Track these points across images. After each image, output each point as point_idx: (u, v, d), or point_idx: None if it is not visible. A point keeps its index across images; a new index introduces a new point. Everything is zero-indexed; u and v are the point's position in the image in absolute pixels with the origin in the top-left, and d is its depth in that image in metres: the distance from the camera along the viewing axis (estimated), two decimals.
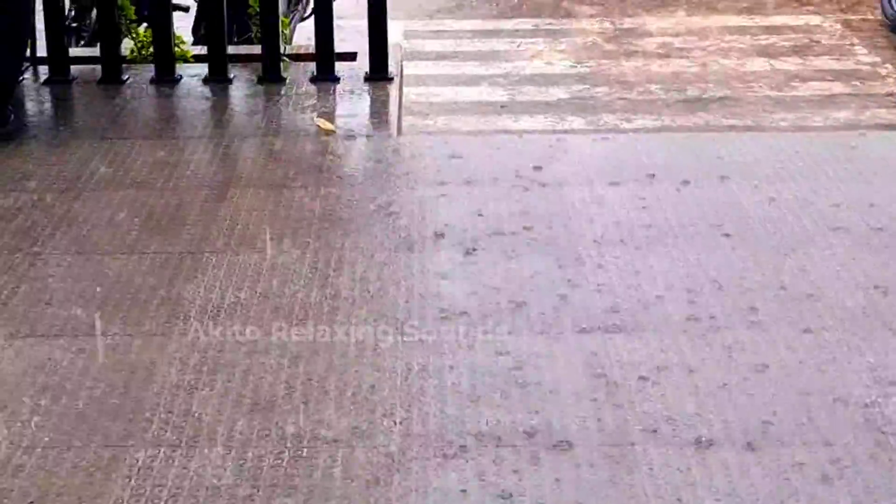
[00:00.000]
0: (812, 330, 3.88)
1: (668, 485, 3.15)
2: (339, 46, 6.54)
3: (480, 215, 4.72)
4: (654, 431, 3.35)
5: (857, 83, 8.59)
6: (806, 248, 4.44)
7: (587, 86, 8.69)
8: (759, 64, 9.08)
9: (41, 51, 6.42)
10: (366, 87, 6.30)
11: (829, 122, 7.73)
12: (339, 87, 6.30)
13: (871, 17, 10.25)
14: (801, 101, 8.22)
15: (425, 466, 3.23)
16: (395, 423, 3.40)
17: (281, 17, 6.61)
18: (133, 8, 6.78)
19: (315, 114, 5.90)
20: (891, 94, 8.31)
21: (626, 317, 3.96)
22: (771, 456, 3.25)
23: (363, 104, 6.13)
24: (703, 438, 3.32)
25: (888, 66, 8.98)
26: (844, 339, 3.82)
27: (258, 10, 6.55)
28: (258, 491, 3.14)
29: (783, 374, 3.63)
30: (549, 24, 10.43)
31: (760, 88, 8.50)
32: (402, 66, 6.90)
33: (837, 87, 8.51)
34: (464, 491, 3.13)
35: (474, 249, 4.44)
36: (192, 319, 3.97)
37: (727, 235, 4.53)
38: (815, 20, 10.29)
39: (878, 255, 4.39)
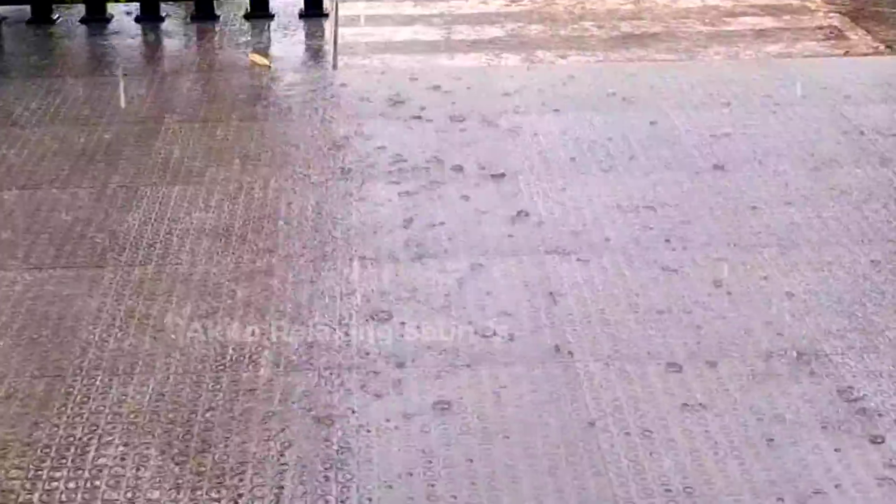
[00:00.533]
0: (748, 249, 3.92)
1: None
2: None
3: (414, 146, 4.71)
4: None
5: (788, 17, 8.62)
6: (740, 170, 4.47)
7: (522, 24, 8.65)
8: (691, 0, 9.08)
9: None
10: (301, 24, 6.26)
11: (760, 55, 7.76)
12: (273, 23, 6.26)
13: None
14: (734, 35, 8.22)
15: None
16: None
17: None
18: None
19: (249, 49, 5.85)
20: (820, 28, 8.34)
21: (562, 241, 3.97)
22: None
23: (298, 40, 6.09)
24: None
25: (817, 0, 9.02)
26: (777, 255, 3.87)
27: None
28: (196, 415, 3.13)
29: (719, 293, 3.66)
30: None
31: (694, 24, 8.51)
32: (336, 4, 6.85)
33: (769, 22, 8.52)
34: None
35: (411, 182, 4.43)
36: (126, 252, 3.94)
37: (661, 159, 4.56)
38: None
39: (811, 175, 4.43)
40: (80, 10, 6.34)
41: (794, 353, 3.34)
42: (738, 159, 4.56)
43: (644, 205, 4.21)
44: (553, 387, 3.21)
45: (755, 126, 4.87)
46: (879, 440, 2.99)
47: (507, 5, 9.16)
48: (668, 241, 3.97)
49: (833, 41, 8.09)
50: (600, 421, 3.07)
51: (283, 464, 2.93)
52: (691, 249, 3.92)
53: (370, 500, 2.81)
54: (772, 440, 2.99)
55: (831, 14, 8.70)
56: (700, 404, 3.14)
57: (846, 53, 7.75)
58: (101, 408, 3.16)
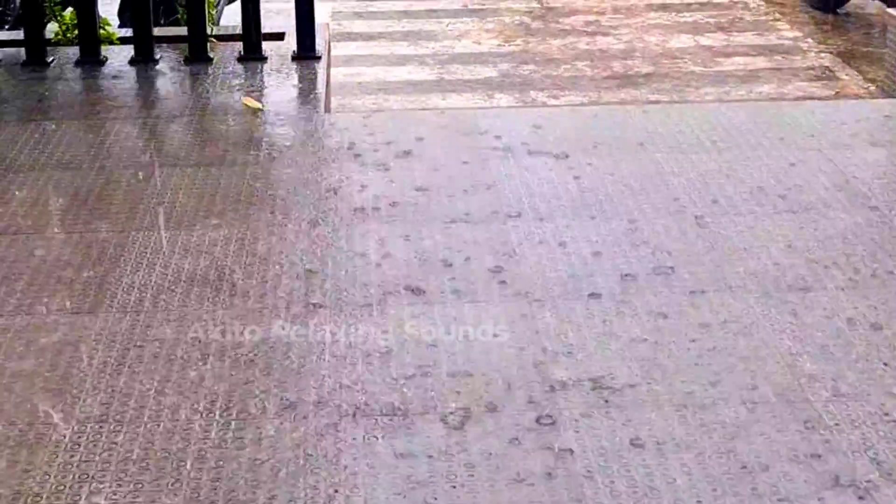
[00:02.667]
0: (732, 289, 3.95)
1: None
2: (267, 27, 6.54)
3: (405, 189, 4.75)
4: None
5: (780, 58, 8.70)
6: (727, 214, 4.51)
7: (515, 64, 8.73)
8: (683, 40, 9.16)
9: None
10: (293, 67, 6.30)
11: (752, 96, 7.82)
12: (266, 66, 6.30)
13: None
14: (725, 75, 8.32)
15: None
16: (322, 398, 3.42)
17: None
18: None
19: (242, 93, 5.89)
20: (812, 68, 8.42)
21: (548, 285, 4.00)
22: None
23: (290, 83, 6.13)
24: None
25: (809, 40, 9.10)
26: (761, 299, 3.90)
27: None
28: (185, 463, 3.15)
29: (704, 335, 3.69)
30: (477, 4, 10.47)
31: (686, 64, 8.59)
32: (329, 45, 6.90)
33: (761, 62, 8.61)
34: None
35: (403, 228, 4.46)
36: (118, 297, 3.96)
37: (650, 203, 4.59)
38: None
39: (795, 218, 4.46)
40: (75, 52, 6.38)
41: (776, 399, 3.37)
42: (725, 203, 4.59)
43: (630, 249, 4.24)
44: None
45: (743, 170, 4.90)
46: (857, 485, 3.02)
47: (501, 45, 9.25)
48: (653, 285, 4.00)
49: (824, 81, 8.17)
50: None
51: None
52: (678, 293, 3.95)
53: None
54: (755, 489, 3.02)
55: (823, 54, 8.78)
56: (685, 445, 3.16)
57: (837, 94, 7.82)
58: (92, 456, 3.18)
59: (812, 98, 7.60)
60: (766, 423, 3.27)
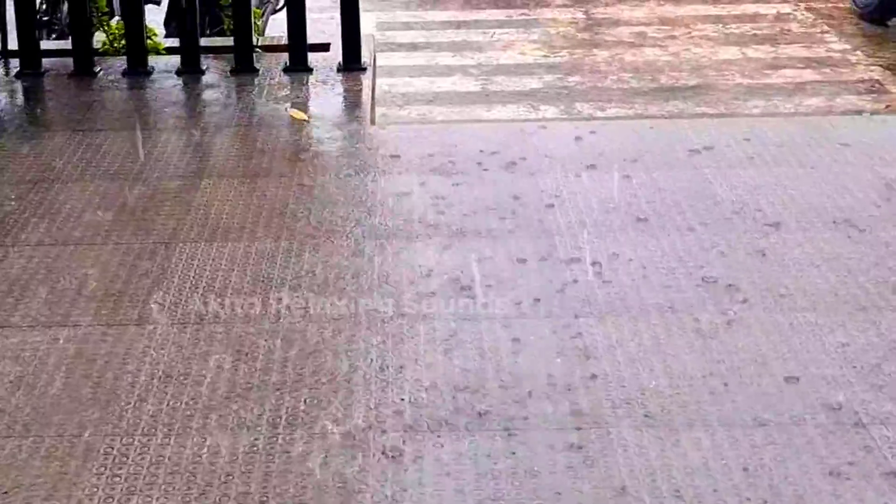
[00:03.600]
0: (783, 308, 3.91)
1: None
2: (313, 38, 6.54)
3: (453, 204, 4.73)
4: None
5: (828, 70, 8.63)
6: (779, 231, 4.46)
7: (560, 75, 8.69)
8: (730, 52, 9.10)
9: (13, 44, 6.40)
10: (339, 78, 6.30)
11: (800, 109, 7.75)
12: (311, 77, 6.30)
13: (841, 5, 10.29)
14: (772, 88, 8.25)
15: None
16: (371, 408, 3.41)
17: (253, 9, 6.60)
18: (105, 0, 6.76)
19: (288, 104, 5.89)
20: (861, 81, 8.34)
21: (603, 305, 3.97)
22: None
23: (336, 94, 6.13)
24: None
25: (858, 53, 9.02)
26: (811, 318, 3.85)
27: (230, 2, 6.54)
28: (233, 477, 3.14)
29: (759, 363, 3.65)
30: (522, 14, 10.43)
31: (732, 76, 8.53)
32: (374, 56, 6.89)
33: (808, 75, 8.54)
34: None
35: (449, 242, 4.45)
36: (165, 309, 3.96)
37: (700, 221, 4.55)
38: (785, 8, 10.32)
39: (847, 238, 4.41)
40: (122, 62, 6.40)
41: (829, 417, 3.33)
42: (775, 219, 4.55)
43: (680, 264, 4.21)
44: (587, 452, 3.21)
45: (792, 185, 4.85)
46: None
47: (546, 56, 9.21)
48: (703, 302, 3.96)
49: (874, 95, 8.09)
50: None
51: None
52: (728, 311, 3.91)
53: None
54: None
55: (872, 67, 8.70)
56: (743, 468, 3.13)
57: (887, 107, 7.74)
58: (139, 468, 3.18)
59: (861, 111, 7.53)
60: (816, 444, 3.24)
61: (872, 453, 3.20)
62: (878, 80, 8.36)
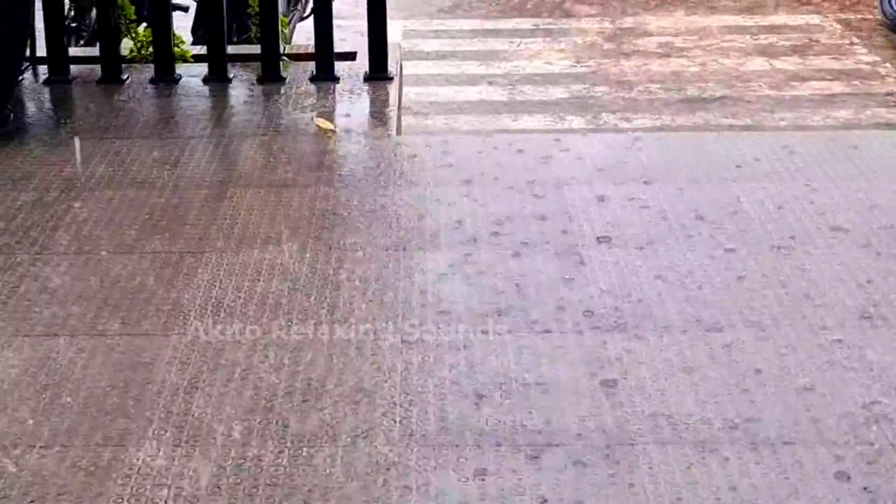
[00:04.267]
0: (811, 325, 3.89)
1: None
2: (339, 46, 6.55)
3: (479, 215, 4.72)
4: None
5: (857, 82, 8.60)
6: (805, 247, 4.44)
7: (587, 85, 8.69)
8: (758, 63, 9.08)
9: (41, 50, 6.43)
10: (365, 87, 6.30)
11: (828, 122, 7.73)
12: (338, 86, 6.30)
13: (870, 16, 10.26)
14: (800, 100, 8.22)
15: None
16: (395, 422, 3.40)
17: (280, 17, 6.62)
18: (133, 8, 6.79)
19: (315, 113, 5.90)
20: (890, 94, 8.31)
21: (628, 317, 3.96)
22: None
23: (362, 104, 6.13)
24: None
25: (887, 65, 8.99)
26: (844, 339, 3.83)
27: (258, 10, 6.56)
28: (258, 490, 3.14)
29: (780, 376, 3.63)
30: (549, 23, 10.43)
31: (760, 88, 8.50)
32: (401, 65, 6.90)
33: (837, 87, 8.51)
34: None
35: (471, 252, 4.44)
36: (191, 319, 3.97)
37: (727, 235, 4.54)
38: (814, 20, 10.29)
39: (878, 255, 4.39)
40: (149, 69, 6.42)
41: (848, 435, 3.31)
42: (803, 235, 4.53)
43: (706, 280, 4.19)
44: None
45: (820, 200, 4.83)
46: None
47: (573, 66, 9.21)
48: (729, 319, 3.95)
49: None
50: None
51: None
52: (754, 328, 3.89)
53: None
54: None
55: None
56: (752, 485, 3.11)
57: None
58: (164, 480, 3.18)
59: (890, 125, 7.50)
60: (832, 464, 3.22)
61: None
62: None
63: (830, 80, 8.68)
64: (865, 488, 3.12)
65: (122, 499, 3.12)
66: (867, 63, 9.06)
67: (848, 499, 3.09)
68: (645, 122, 7.77)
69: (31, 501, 3.12)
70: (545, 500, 3.09)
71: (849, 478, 3.16)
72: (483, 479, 3.17)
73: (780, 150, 5.34)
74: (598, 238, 4.52)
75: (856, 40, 9.64)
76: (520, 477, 3.18)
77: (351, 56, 6.73)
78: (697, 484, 3.14)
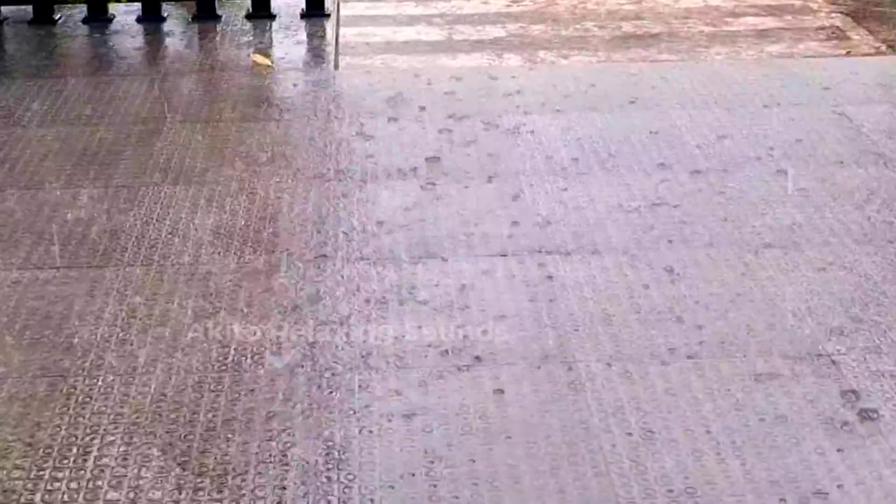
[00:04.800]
0: (749, 245, 3.92)
1: None
2: None
3: (415, 147, 4.71)
4: None
5: (790, 17, 8.62)
6: (742, 168, 4.47)
7: (524, 24, 8.66)
8: (693, 1, 9.08)
9: None
10: (302, 24, 6.26)
11: (763, 55, 7.76)
12: (275, 23, 6.26)
13: None
14: (735, 35, 8.23)
15: None
16: (338, 335, 3.40)
17: None
18: None
19: (251, 50, 5.85)
20: (822, 28, 8.34)
21: (568, 243, 3.97)
22: None
23: (300, 40, 6.09)
24: None
25: (819, 0, 9.02)
26: (777, 253, 3.87)
27: None
28: (198, 415, 3.13)
29: (729, 296, 3.66)
30: None
31: (695, 24, 8.51)
32: (338, 4, 6.85)
33: (771, 22, 8.53)
34: None
35: (400, 181, 4.44)
36: (128, 252, 3.94)
37: (664, 159, 4.55)
38: None
39: (804, 169, 4.43)
40: (82, 10, 6.34)
41: (797, 354, 3.34)
42: (740, 160, 4.56)
43: (646, 205, 4.21)
44: (554, 387, 3.21)
45: (756, 126, 4.86)
46: (881, 441, 2.99)
47: (509, 6, 9.16)
48: (670, 241, 3.97)
49: (835, 41, 8.09)
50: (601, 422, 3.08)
51: (284, 464, 2.93)
52: (693, 249, 3.92)
53: (372, 500, 2.81)
54: (774, 440, 2.99)
55: (833, 14, 8.70)
56: (702, 403, 3.14)
57: (848, 53, 7.75)
58: (104, 408, 3.16)
59: (823, 56, 7.54)
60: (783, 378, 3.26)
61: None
62: (838, 27, 8.36)
63: (764, 15, 8.68)
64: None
65: (60, 427, 3.09)
66: None
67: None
68: (582, 59, 7.75)
69: None
70: None
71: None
72: None
73: (715, 80, 5.37)
74: (539, 164, 4.52)
75: None
76: None
77: None
78: None
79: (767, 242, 3.96)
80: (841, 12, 8.73)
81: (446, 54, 8.03)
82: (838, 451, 2.95)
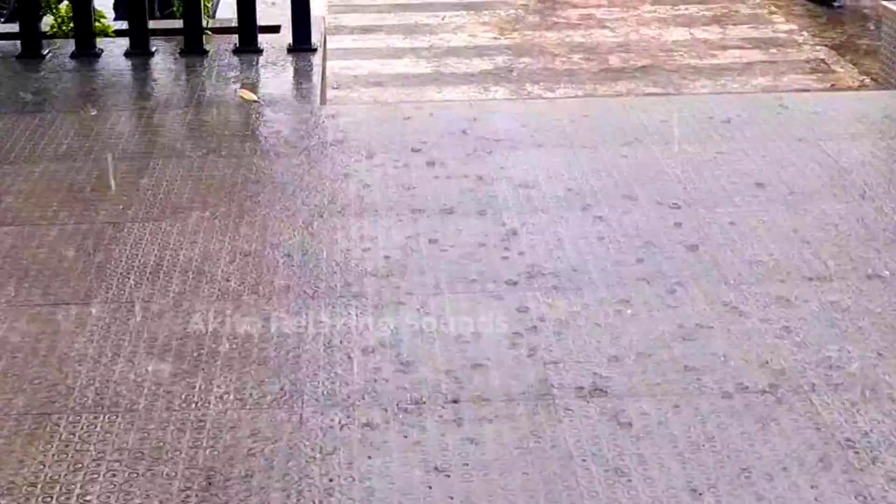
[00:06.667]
0: (727, 281, 3.96)
1: None
2: (263, 20, 6.54)
3: (399, 183, 4.75)
4: None
5: (775, 50, 8.70)
6: (724, 206, 4.51)
7: (511, 57, 8.73)
8: (679, 33, 9.16)
9: None
10: (289, 59, 6.30)
11: (748, 88, 7.83)
12: (261, 58, 6.30)
13: None
14: (721, 68, 8.32)
15: None
16: (317, 387, 3.43)
17: None
18: None
19: (238, 85, 5.89)
20: (807, 61, 8.42)
21: (554, 278, 4.00)
22: None
23: (286, 75, 6.13)
24: None
25: (804, 33, 9.10)
26: (755, 290, 3.90)
27: None
28: (180, 454, 3.15)
29: (707, 338, 3.69)
30: None
31: (681, 57, 8.59)
32: (325, 38, 6.90)
33: (756, 55, 8.61)
34: None
35: (388, 217, 4.47)
36: (113, 288, 3.96)
37: (645, 194, 4.59)
38: None
39: (793, 210, 4.47)
40: (70, 45, 6.38)
41: (769, 386, 3.38)
42: (721, 194, 4.60)
43: (626, 241, 4.25)
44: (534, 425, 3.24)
45: (738, 161, 4.91)
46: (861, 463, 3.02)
47: (496, 39, 9.24)
48: (645, 278, 4.00)
49: (819, 74, 8.17)
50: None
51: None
52: (673, 285, 3.95)
53: None
54: (749, 475, 3.02)
55: (818, 47, 8.78)
56: (675, 436, 3.17)
57: (832, 86, 7.83)
58: (87, 446, 3.18)
59: (807, 90, 7.61)
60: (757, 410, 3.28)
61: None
62: (823, 60, 8.45)
63: (750, 48, 8.78)
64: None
65: (44, 465, 3.10)
66: (785, 31, 9.18)
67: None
68: (568, 92, 7.82)
69: None
70: None
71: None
72: None
73: (699, 114, 5.40)
74: (522, 200, 4.55)
75: (774, 9, 9.75)
76: None
77: (275, 29, 6.73)
78: None
79: (746, 278, 3.99)
80: (826, 45, 8.82)
81: (434, 86, 8.11)
82: (811, 487, 2.98)
